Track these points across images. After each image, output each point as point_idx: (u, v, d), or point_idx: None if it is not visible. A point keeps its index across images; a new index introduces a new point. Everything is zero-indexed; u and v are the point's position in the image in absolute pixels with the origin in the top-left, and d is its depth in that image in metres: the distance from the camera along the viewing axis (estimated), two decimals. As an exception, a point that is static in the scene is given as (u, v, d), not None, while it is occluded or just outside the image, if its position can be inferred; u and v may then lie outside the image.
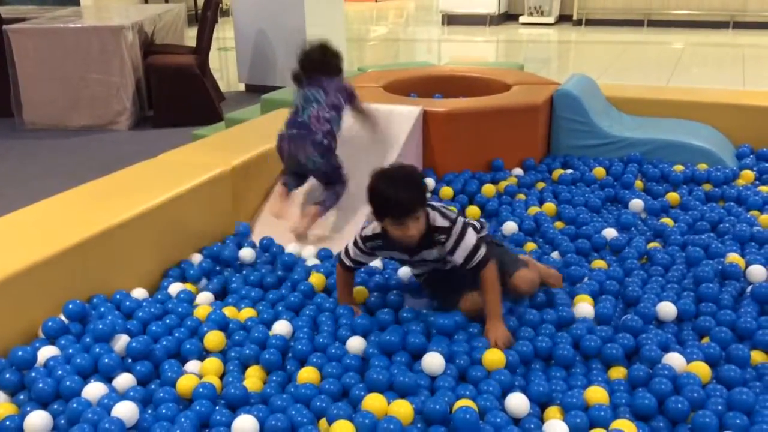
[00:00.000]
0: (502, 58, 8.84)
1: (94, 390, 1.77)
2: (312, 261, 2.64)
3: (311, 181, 2.97)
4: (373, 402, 1.72)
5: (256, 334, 2.06)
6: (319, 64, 2.87)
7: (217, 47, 8.79)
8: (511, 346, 2.00)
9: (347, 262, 2.20)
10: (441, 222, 2.02)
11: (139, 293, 2.31)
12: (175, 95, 5.41)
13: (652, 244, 2.67)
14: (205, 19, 5.73)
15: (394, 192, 1.95)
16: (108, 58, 5.32)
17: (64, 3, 8.29)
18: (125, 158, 3.51)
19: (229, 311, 2.22)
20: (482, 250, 2.04)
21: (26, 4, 7.49)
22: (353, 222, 2.89)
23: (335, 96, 2.86)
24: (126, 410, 1.68)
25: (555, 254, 2.68)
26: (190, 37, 6.52)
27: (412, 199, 1.95)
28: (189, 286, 2.44)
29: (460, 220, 2.07)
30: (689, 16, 10.17)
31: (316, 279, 2.43)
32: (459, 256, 2.04)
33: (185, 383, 1.84)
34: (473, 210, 3.09)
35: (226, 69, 8.04)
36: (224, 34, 9.88)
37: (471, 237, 2.05)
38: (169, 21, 6.39)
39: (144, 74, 5.61)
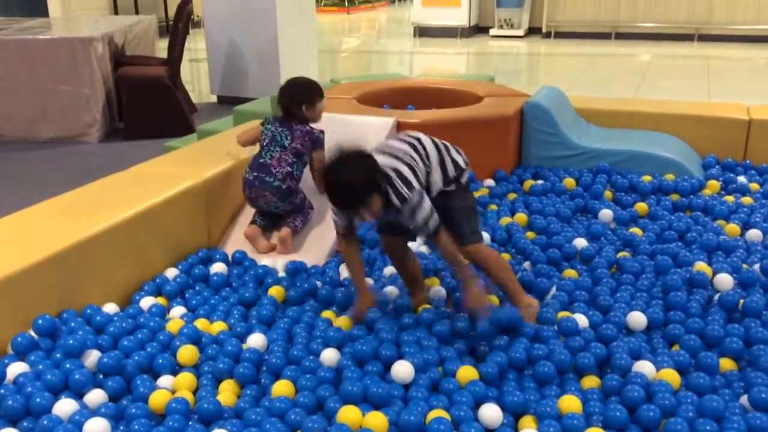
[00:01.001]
0: (473, 70, 8.93)
1: (64, 407, 1.75)
2: (284, 273, 2.64)
3: None
4: (348, 414, 1.72)
5: (229, 348, 2.05)
6: (288, 107, 2.84)
7: (189, 58, 8.74)
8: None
9: (338, 227, 2.20)
10: (395, 200, 2.03)
11: (110, 308, 2.28)
12: (146, 107, 5.36)
13: (621, 254, 2.72)
14: (177, 31, 5.70)
15: (337, 192, 2.00)
16: (78, 70, 5.26)
17: (33, 14, 8.19)
18: (95, 171, 3.47)
19: (201, 324, 2.20)
20: (432, 222, 2.07)
21: (-7, 16, 7.38)
22: (324, 236, 2.89)
23: (301, 142, 2.84)
24: (98, 427, 1.67)
25: (526, 264, 2.70)
26: (161, 48, 6.48)
27: (355, 195, 1.98)
28: (161, 300, 2.42)
29: (416, 192, 2.04)
30: (656, 29, 10.37)
31: (276, 291, 2.42)
32: (415, 223, 2.09)
33: (158, 398, 1.82)
34: (446, 221, 3.11)
35: (197, 80, 8.00)
36: (196, 45, 9.83)
37: (425, 210, 2.05)
38: (140, 32, 6.34)
39: (114, 86, 5.55)
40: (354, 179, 1.98)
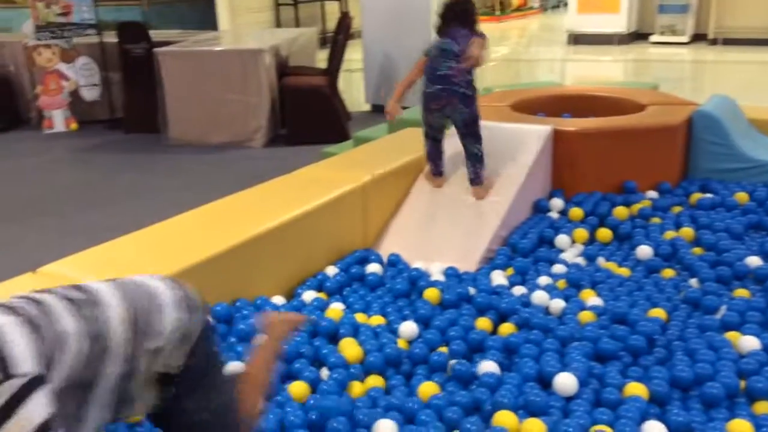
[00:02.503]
0: (632, 78, 8.56)
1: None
2: (437, 277, 2.67)
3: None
4: (505, 418, 1.72)
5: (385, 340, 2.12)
6: (455, 14, 2.95)
7: (345, 68, 9.07)
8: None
9: None
10: None
11: (278, 299, 2.43)
12: (306, 114, 5.64)
13: (801, 275, 2.51)
14: (337, 42, 5.95)
15: None
16: (246, 80, 5.63)
17: (203, 27, 8.85)
18: (261, 173, 3.70)
19: (359, 318, 2.30)
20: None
21: (171, 29, 8.05)
22: (476, 243, 2.90)
23: (466, 46, 2.91)
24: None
25: (693, 281, 2.56)
26: (321, 59, 6.78)
27: None
28: (322, 295, 2.54)
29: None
30: (840, 34, 9.44)
31: (432, 294, 2.46)
32: None
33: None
34: (604, 232, 3.02)
35: (353, 89, 8.29)
36: (351, 56, 10.18)
37: None
38: (302, 44, 6.68)
39: (279, 94, 5.88)
40: None
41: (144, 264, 2.17)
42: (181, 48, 5.88)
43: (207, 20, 10.27)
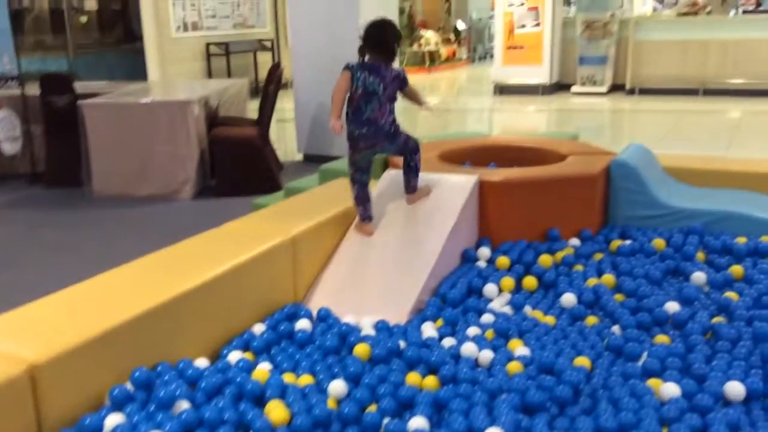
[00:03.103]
0: (554, 128, 8.89)
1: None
2: (368, 330, 2.66)
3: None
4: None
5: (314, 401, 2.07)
6: (374, 43, 3.02)
7: (277, 118, 9.09)
8: None
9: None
10: None
11: (202, 362, 2.36)
12: (236, 165, 5.60)
13: (716, 319, 2.61)
14: (267, 93, 5.97)
15: None
16: (175, 131, 5.56)
17: (133, 78, 8.76)
18: (189, 227, 3.62)
19: (287, 378, 2.25)
20: None
21: (98, 80, 7.92)
22: (406, 294, 2.91)
23: (392, 87, 3.02)
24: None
25: (616, 328, 2.63)
26: (252, 109, 6.78)
27: None
28: (248, 355, 2.48)
29: None
30: (746, 85, 10.07)
31: (362, 349, 2.43)
32: None
33: None
34: (530, 280, 3.07)
35: (285, 139, 8.29)
36: (283, 105, 10.22)
37: None
38: (233, 94, 6.67)
39: (208, 145, 5.83)
40: None
41: (60, 329, 2.08)
42: (106, 100, 5.78)
43: (136, 71, 10.17)
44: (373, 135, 3.03)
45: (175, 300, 2.33)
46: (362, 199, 3.19)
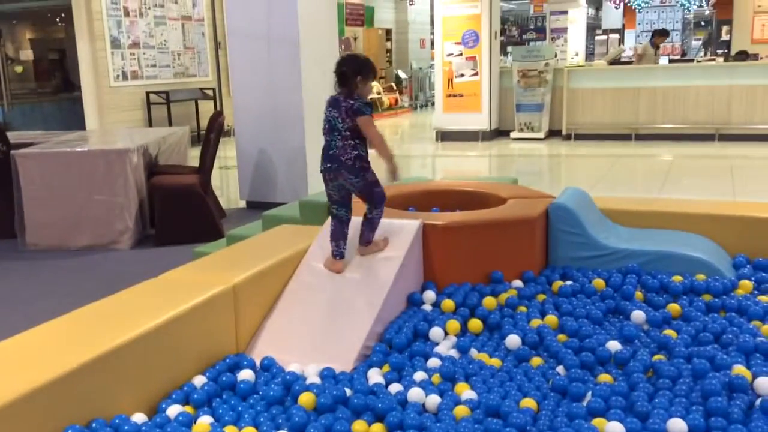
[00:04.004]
0: (495, 172, 9.07)
1: None
2: (313, 379, 2.61)
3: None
4: None
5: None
6: (345, 74, 3.02)
7: (219, 166, 9.02)
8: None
9: None
10: None
11: (139, 417, 2.26)
12: (177, 214, 5.50)
13: (657, 357, 2.65)
14: (209, 141, 5.92)
15: None
16: (112, 180, 5.44)
17: (70, 127, 8.58)
18: (127, 277, 3.53)
19: (229, 431, 2.17)
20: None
21: (34, 129, 7.74)
22: (352, 341, 2.87)
23: (350, 119, 3.01)
24: None
25: (560, 368, 2.65)
26: (194, 156, 6.71)
27: None
28: (188, 409, 2.39)
29: None
30: (676, 129, 10.52)
31: (307, 399, 2.38)
32: None
33: None
34: (475, 323, 3.08)
35: (227, 186, 8.22)
36: (226, 153, 10.17)
37: None
38: (173, 142, 6.59)
39: (147, 194, 5.72)
40: None
41: (-16, 387, 1.97)
42: (41, 149, 5.62)
43: (74, 120, 9.99)
44: (335, 169, 3.07)
45: (110, 353, 2.25)
46: (337, 235, 3.20)
